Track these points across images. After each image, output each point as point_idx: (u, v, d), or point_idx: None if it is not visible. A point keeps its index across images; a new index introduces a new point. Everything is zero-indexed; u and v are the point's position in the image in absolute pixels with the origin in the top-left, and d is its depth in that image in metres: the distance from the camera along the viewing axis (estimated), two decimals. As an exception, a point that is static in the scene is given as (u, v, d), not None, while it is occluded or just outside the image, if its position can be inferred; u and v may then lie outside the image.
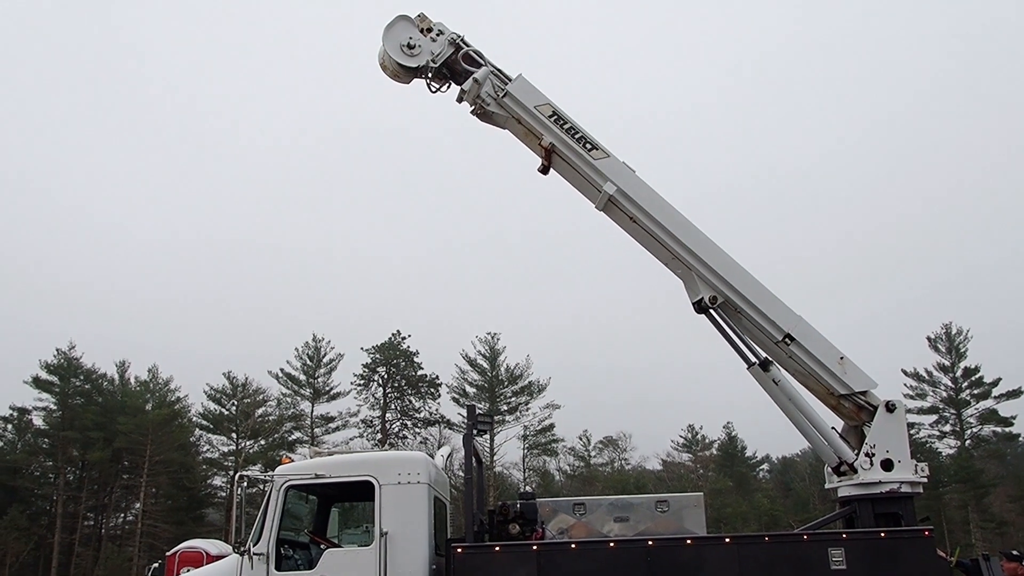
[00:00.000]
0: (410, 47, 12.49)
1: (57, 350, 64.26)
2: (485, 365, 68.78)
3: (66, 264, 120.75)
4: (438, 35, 12.55)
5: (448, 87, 12.85)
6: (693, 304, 11.98)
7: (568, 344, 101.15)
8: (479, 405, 63.36)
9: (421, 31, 12.56)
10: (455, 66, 12.57)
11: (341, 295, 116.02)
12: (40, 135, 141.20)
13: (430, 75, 12.65)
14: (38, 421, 64.33)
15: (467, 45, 12.59)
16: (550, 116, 12.15)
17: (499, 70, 12.47)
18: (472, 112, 12.44)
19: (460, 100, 12.40)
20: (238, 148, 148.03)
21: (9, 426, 65.07)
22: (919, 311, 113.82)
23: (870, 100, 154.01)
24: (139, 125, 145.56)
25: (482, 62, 12.44)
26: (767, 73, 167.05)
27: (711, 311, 11.85)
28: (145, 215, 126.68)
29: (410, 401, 68.12)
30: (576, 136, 12.06)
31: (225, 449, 66.19)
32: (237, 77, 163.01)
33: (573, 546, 10.51)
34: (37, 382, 62.58)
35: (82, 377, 65.04)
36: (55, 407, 63.18)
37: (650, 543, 10.42)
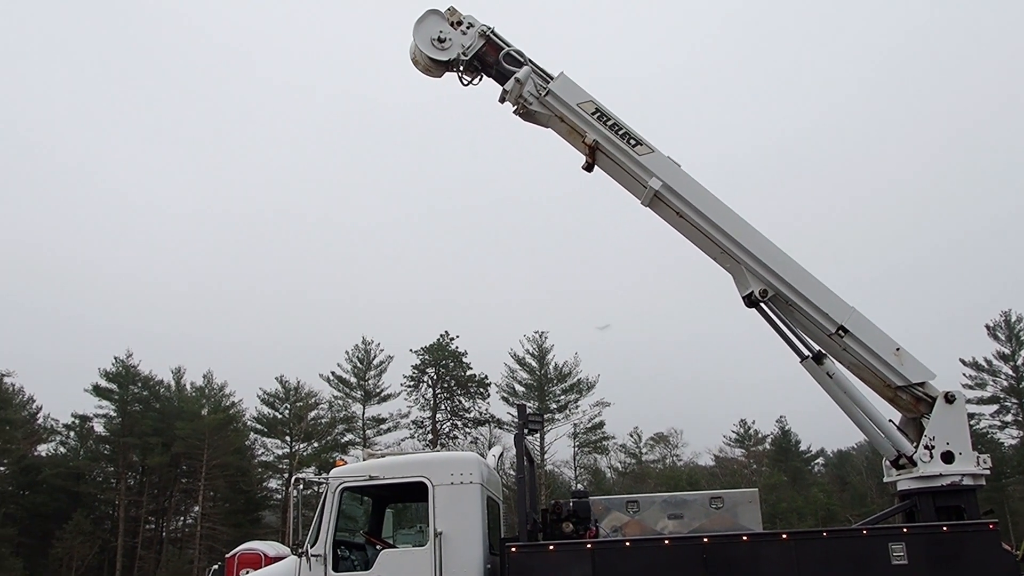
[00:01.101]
0: (440, 41, 12.52)
1: (115, 358, 65.88)
2: (534, 364, 68.80)
3: (122, 277, 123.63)
4: (468, 28, 12.54)
5: (480, 80, 12.84)
6: (743, 298, 11.82)
7: (617, 340, 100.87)
8: (529, 404, 63.47)
9: (451, 24, 12.58)
10: (486, 58, 12.55)
11: (389, 297, 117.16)
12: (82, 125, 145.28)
13: (461, 68, 12.66)
14: (99, 428, 66.09)
15: (497, 36, 12.57)
16: (593, 113, 12.06)
17: (540, 68, 12.42)
18: (515, 112, 12.40)
19: (503, 100, 12.38)
20: (284, 153, 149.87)
21: (72, 433, 66.96)
22: (974, 298, 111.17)
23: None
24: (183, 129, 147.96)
25: (523, 61, 12.41)
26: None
27: (762, 305, 11.72)
28: (195, 234, 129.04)
29: (460, 401, 68.42)
30: (620, 132, 11.97)
31: (279, 452, 67.26)
32: (272, 82, 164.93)
33: (627, 544, 10.45)
34: (97, 390, 64.15)
35: (140, 384, 66.48)
36: (115, 414, 64.67)
37: (705, 540, 10.32)
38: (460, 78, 12.78)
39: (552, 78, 12.28)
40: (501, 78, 12.44)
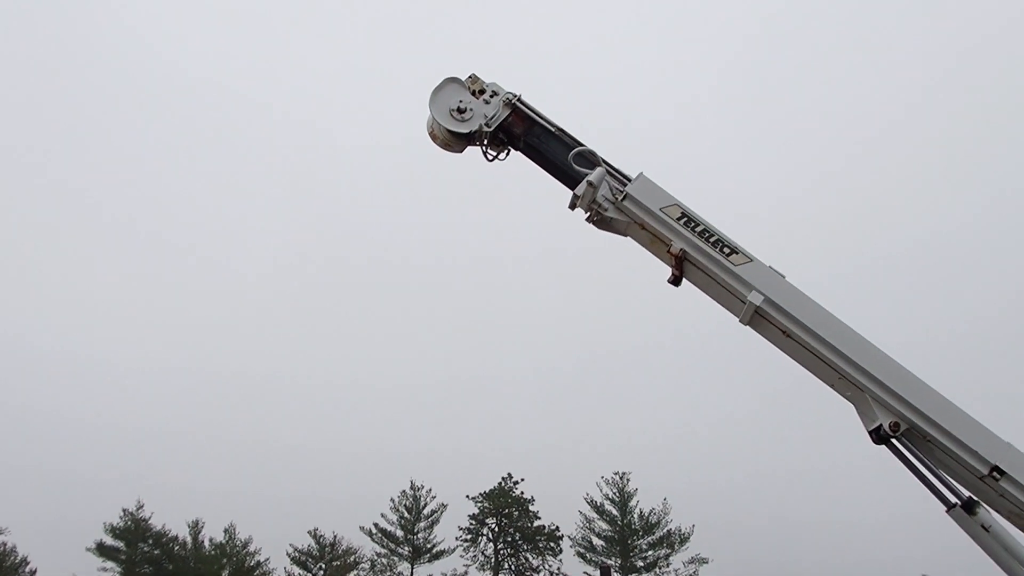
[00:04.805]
0: (460, 111, 12.76)
1: (124, 511, 66.42)
2: (614, 511, 67.64)
3: (130, 424, 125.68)
4: (492, 96, 12.78)
5: (507, 154, 13.02)
6: (869, 433, 11.41)
7: (714, 484, 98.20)
8: (611, 562, 62.02)
9: (472, 93, 12.85)
10: (512, 129, 12.77)
11: (441, 435, 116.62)
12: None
13: (485, 141, 12.87)
14: (102, 594, 66.07)
15: (525, 105, 12.76)
16: (679, 218, 12.03)
17: (615, 169, 12.52)
18: (588, 220, 12.45)
19: (573, 206, 12.47)
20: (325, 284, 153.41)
21: (70, 602, 67.05)
22: None
23: None
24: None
25: (595, 161, 12.55)
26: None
27: (893, 441, 11.34)
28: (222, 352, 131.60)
29: (526, 558, 67.46)
30: (711, 240, 11.91)
31: (312, 622, 66.45)
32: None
33: None
34: (101, 549, 64.51)
35: (151, 541, 66.72)
36: (121, 576, 64.79)
37: None
38: (484, 152, 13.02)
39: (629, 179, 12.39)
40: (531, 151, 12.73)
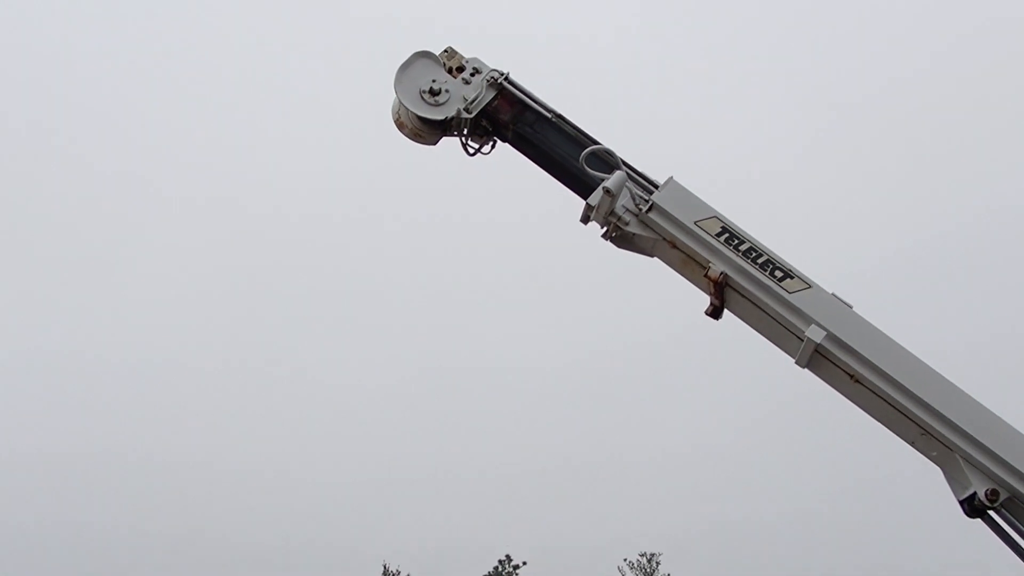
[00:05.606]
0: (433, 93, 11.90)
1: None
2: (642, 602, 66.79)
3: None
4: (472, 74, 11.91)
5: (493, 146, 12.08)
6: (961, 502, 10.49)
7: (758, 564, 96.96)
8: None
9: (449, 71, 12.00)
10: (499, 115, 11.90)
11: (421, 507, 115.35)
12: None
13: (465, 130, 11.95)
14: None
15: (513, 85, 11.87)
16: (719, 234, 11.25)
17: (639, 173, 11.72)
18: (605, 236, 11.67)
19: (586, 220, 11.63)
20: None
21: None
22: None
23: None
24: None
25: (613, 163, 11.69)
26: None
27: (990, 512, 10.36)
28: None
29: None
30: (759, 260, 11.08)
31: None
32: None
33: None
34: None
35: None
36: None
37: None
38: (464, 145, 12.08)
39: (656, 186, 11.64)
40: (522, 142, 11.85)
